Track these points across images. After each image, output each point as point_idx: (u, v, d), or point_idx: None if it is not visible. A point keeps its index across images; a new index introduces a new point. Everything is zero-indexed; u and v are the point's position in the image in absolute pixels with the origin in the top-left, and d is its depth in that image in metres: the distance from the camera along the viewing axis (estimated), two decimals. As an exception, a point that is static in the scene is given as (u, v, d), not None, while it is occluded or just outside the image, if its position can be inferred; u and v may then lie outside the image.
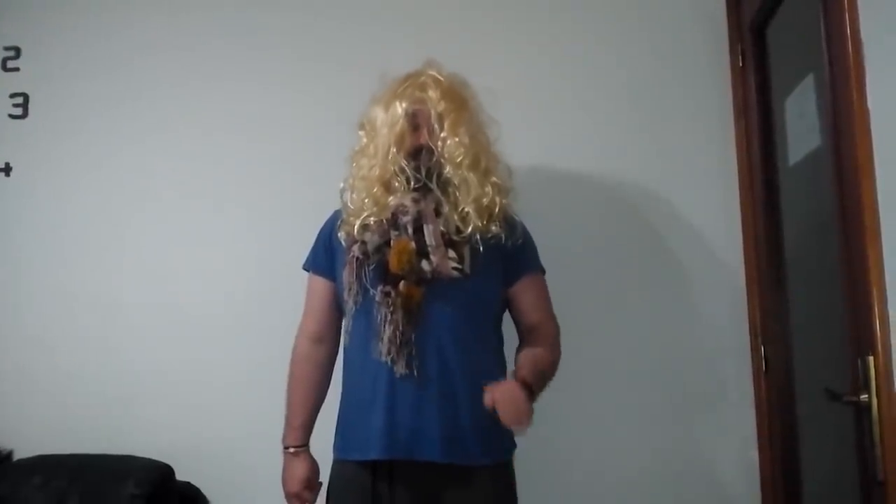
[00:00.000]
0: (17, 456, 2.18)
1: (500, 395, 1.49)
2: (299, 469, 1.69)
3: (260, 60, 2.32)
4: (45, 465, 2.06)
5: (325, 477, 1.70)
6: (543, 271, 1.77)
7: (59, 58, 2.42)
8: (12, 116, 2.41)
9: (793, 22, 1.76)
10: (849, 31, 1.30)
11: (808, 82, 1.62)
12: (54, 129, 2.39)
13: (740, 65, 2.04)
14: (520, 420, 1.49)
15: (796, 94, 1.71)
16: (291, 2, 2.33)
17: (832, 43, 1.39)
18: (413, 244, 1.58)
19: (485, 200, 1.61)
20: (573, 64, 2.19)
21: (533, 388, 1.54)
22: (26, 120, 2.41)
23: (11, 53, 2.44)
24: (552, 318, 1.75)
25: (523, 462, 1.69)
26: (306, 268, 1.79)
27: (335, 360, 1.77)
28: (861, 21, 1.29)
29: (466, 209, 1.60)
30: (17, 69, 2.43)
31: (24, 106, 2.41)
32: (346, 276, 1.63)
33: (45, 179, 2.37)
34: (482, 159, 1.64)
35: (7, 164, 2.39)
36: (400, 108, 1.63)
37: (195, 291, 2.26)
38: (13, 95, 2.41)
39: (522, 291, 1.71)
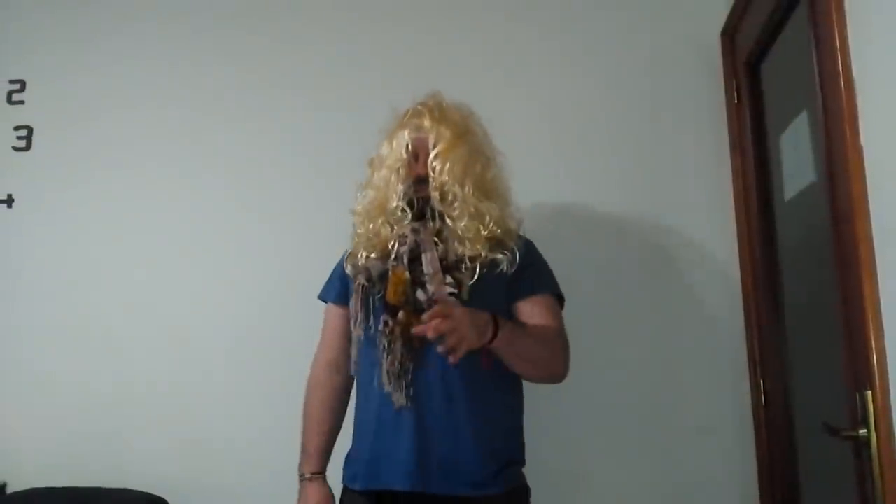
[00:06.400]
0: (10, 489, 2.15)
1: (446, 306, 1.41)
2: (312, 497, 1.67)
3: (270, 86, 2.35)
4: (38, 498, 2.04)
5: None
6: (558, 298, 1.70)
7: (64, 91, 2.45)
8: (16, 149, 2.43)
9: (786, 59, 1.79)
10: (841, 69, 1.32)
11: (802, 119, 1.64)
12: (58, 161, 2.41)
13: (735, 101, 2.07)
14: (441, 328, 1.36)
15: (791, 130, 1.73)
16: (308, 27, 2.38)
17: (825, 80, 1.41)
18: (408, 274, 1.58)
19: (482, 227, 1.61)
20: (571, 101, 2.22)
21: (499, 326, 1.47)
22: (30, 152, 2.43)
23: (17, 87, 2.47)
24: (562, 330, 1.65)
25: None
26: (322, 298, 1.80)
27: (350, 389, 1.75)
28: (853, 59, 1.31)
29: (464, 236, 1.60)
30: (21, 102, 2.47)
31: (28, 138, 2.44)
32: (353, 305, 1.64)
33: (47, 211, 2.39)
34: (481, 186, 1.64)
35: (10, 196, 2.41)
36: (400, 139, 1.66)
37: (194, 324, 2.26)
38: (17, 128, 2.44)
39: (527, 307, 1.64)
